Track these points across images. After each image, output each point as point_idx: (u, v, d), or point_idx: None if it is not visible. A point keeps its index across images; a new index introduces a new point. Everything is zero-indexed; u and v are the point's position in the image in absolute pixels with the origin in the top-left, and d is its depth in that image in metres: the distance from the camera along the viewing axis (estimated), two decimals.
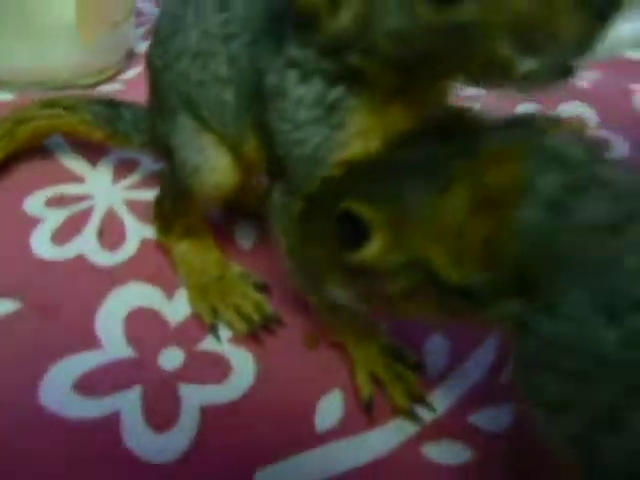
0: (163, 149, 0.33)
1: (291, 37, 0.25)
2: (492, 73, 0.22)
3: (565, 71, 0.22)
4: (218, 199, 0.32)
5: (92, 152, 0.39)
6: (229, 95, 0.28)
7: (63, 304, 0.32)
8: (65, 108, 0.36)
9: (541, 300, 0.21)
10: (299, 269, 0.29)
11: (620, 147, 0.46)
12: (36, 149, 0.39)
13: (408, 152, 0.24)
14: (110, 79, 0.46)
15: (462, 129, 0.24)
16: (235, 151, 0.30)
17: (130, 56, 0.48)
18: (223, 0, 0.28)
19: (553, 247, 0.20)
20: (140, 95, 0.34)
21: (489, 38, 0.21)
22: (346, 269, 0.26)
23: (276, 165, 0.27)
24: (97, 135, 0.36)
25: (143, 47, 0.49)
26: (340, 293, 0.27)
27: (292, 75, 0.25)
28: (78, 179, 0.38)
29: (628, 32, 0.22)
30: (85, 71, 0.44)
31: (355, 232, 0.24)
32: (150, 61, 0.32)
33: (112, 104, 0.36)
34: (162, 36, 0.30)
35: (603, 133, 0.46)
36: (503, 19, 0.21)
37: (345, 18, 0.24)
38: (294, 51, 0.25)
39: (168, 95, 0.31)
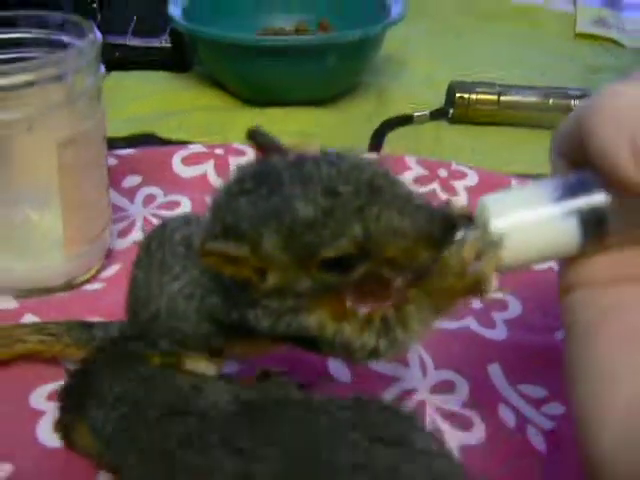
0: None
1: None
2: None
3: None
4: None
5: None
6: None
7: None
8: (50, 334, 0.43)
9: None
10: None
11: (516, 308, 0.54)
12: None
13: None
14: (93, 278, 0.55)
15: None
16: None
17: (109, 255, 0.57)
18: (176, 272, 0.36)
19: None
20: (119, 291, 0.41)
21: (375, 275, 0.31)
22: None
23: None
24: (77, 354, 0.43)
25: (120, 244, 0.59)
26: None
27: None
28: None
29: None
30: (71, 277, 0.53)
31: None
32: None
33: (86, 326, 0.43)
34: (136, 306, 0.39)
35: (501, 295, 0.56)
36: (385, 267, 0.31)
37: (271, 282, 0.31)
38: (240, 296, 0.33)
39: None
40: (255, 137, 0.35)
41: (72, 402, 0.39)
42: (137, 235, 0.60)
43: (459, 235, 0.31)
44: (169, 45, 0.91)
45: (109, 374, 0.37)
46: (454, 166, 0.70)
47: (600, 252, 0.30)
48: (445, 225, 0.30)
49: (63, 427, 0.39)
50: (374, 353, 0.33)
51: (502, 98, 0.82)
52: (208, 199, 0.61)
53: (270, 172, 0.31)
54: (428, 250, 0.30)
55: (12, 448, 0.41)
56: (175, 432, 0.33)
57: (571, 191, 0.30)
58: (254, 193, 0.31)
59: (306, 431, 0.31)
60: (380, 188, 0.30)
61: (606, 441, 0.27)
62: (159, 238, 0.39)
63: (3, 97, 0.45)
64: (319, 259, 0.30)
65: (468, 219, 0.31)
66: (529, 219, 0.30)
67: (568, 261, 0.31)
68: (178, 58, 0.92)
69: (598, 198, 0.29)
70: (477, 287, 0.31)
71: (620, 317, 0.29)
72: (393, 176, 0.32)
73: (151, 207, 0.63)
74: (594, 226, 0.29)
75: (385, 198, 0.30)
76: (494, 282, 0.31)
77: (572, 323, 0.31)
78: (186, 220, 0.39)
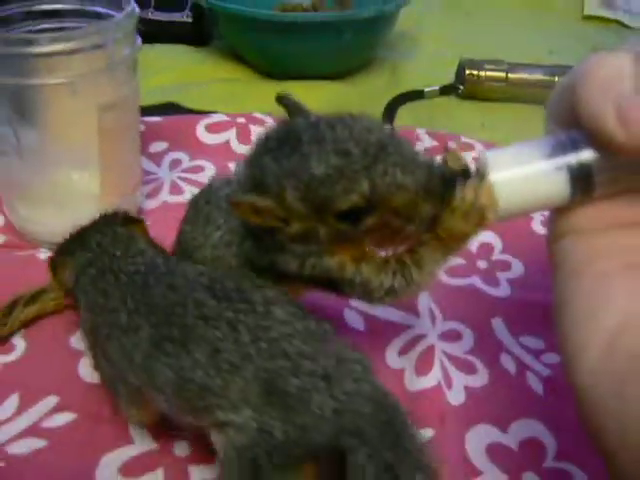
0: None
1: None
2: None
3: None
4: None
5: None
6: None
7: (103, 414, 0.43)
8: None
9: None
10: None
11: (519, 269, 0.59)
12: None
13: None
14: None
15: None
16: None
17: (139, 213, 0.61)
18: (219, 224, 0.40)
19: None
20: None
21: (383, 224, 0.35)
22: None
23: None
24: None
25: (149, 204, 0.63)
26: None
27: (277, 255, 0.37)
28: None
29: None
30: None
31: None
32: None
33: None
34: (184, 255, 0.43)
35: (506, 257, 0.60)
36: (391, 217, 0.35)
37: (294, 229, 0.35)
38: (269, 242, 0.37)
39: None
40: (283, 101, 0.39)
41: (66, 247, 0.45)
42: (164, 196, 0.64)
43: (458, 189, 0.34)
44: (190, 19, 0.94)
45: (96, 231, 0.44)
46: (463, 139, 0.73)
47: (588, 203, 0.34)
48: (443, 180, 0.34)
49: (54, 264, 0.45)
50: (391, 292, 0.37)
51: (510, 75, 0.85)
52: (231, 165, 0.66)
53: (291, 132, 0.35)
54: (428, 202, 0.34)
55: (58, 383, 0.46)
56: (105, 285, 0.40)
57: (562, 148, 0.33)
58: (277, 151, 0.35)
59: (169, 294, 0.37)
60: (386, 148, 0.33)
61: (587, 368, 0.31)
62: (205, 196, 0.43)
63: (50, 63, 0.49)
64: (333, 211, 0.34)
65: (466, 174, 0.35)
66: (523, 173, 0.33)
67: (558, 210, 0.35)
68: (199, 32, 0.96)
69: (586, 155, 0.33)
70: (480, 220, 0.35)
71: (604, 259, 0.33)
72: (399, 137, 0.35)
73: (177, 171, 0.67)
74: (582, 180, 0.33)
75: (390, 157, 0.33)
76: (493, 212, 0.34)
77: (560, 266, 0.34)
78: (228, 181, 0.43)
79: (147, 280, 0.39)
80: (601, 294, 0.32)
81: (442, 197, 0.34)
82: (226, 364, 0.33)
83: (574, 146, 0.33)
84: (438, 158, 0.36)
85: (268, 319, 0.35)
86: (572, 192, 0.33)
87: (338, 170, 0.33)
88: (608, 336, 0.31)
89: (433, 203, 0.34)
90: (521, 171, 0.33)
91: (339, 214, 0.34)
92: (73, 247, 0.44)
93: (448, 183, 0.34)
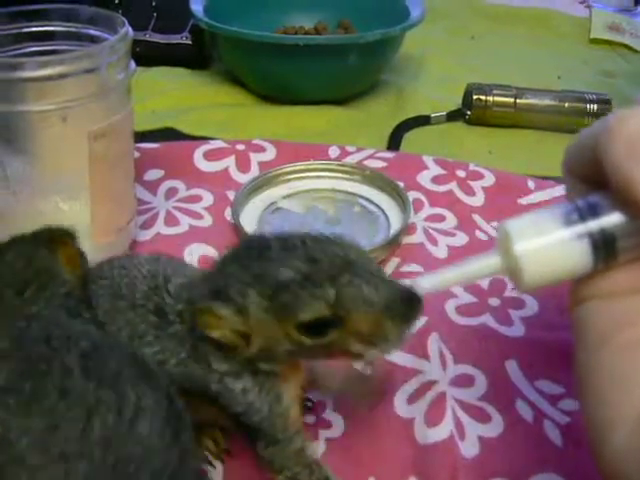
0: None
1: (214, 357, 0.36)
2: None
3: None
4: None
5: None
6: None
7: None
8: None
9: None
10: None
11: (533, 306, 0.55)
12: None
13: None
14: None
15: None
16: None
17: (132, 246, 0.58)
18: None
19: None
20: None
21: (345, 344, 0.34)
22: None
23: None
24: None
25: (143, 235, 0.60)
26: None
27: (229, 380, 0.36)
28: None
29: None
30: None
31: None
32: None
33: None
34: None
35: (518, 294, 0.57)
36: (353, 337, 0.34)
37: (255, 347, 0.35)
38: (222, 366, 0.36)
39: None
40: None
41: None
42: (159, 228, 0.61)
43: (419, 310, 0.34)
44: (189, 42, 0.92)
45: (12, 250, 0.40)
46: (472, 167, 0.71)
47: (613, 268, 0.31)
48: (409, 299, 0.33)
49: None
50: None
51: (518, 101, 0.82)
52: (229, 193, 0.63)
53: (261, 242, 0.35)
54: (393, 321, 0.33)
55: None
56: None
57: (582, 215, 0.31)
58: (245, 259, 0.35)
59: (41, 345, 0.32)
60: (354, 263, 0.33)
61: (616, 446, 0.28)
62: (128, 296, 0.39)
63: (38, 88, 0.46)
64: (297, 321, 0.33)
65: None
66: (545, 243, 0.31)
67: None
68: (198, 55, 0.93)
69: (607, 221, 0.31)
70: None
71: (631, 326, 0.30)
72: (366, 254, 0.35)
73: (173, 200, 0.64)
74: (605, 247, 0.31)
75: (357, 269, 0.33)
76: None
77: (584, 332, 0.32)
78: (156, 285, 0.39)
79: (28, 326, 0.34)
80: (629, 366, 0.29)
81: (405, 317, 0.33)
82: (56, 447, 0.28)
83: (595, 211, 0.31)
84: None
85: (131, 430, 0.29)
86: (595, 260, 0.31)
87: (304, 276, 0.33)
88: (637, 413, 0.28)
89: (396, 323, 0.33)
90: (542, 242, 0.32)
91: (303, 325, 0.33)
92: None
93: (414, 303, 0.33)
